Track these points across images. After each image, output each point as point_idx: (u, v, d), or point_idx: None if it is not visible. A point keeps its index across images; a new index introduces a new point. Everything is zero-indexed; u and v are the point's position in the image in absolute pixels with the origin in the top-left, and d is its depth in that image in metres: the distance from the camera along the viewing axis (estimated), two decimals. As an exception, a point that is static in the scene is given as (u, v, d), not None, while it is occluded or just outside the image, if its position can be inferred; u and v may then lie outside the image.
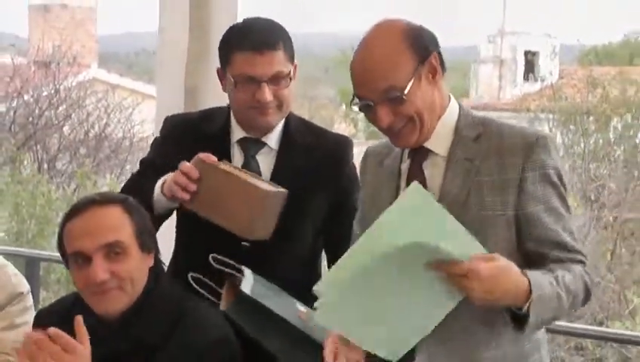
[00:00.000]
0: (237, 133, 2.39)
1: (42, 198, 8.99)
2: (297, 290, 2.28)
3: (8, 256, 2.76)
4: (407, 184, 1.99)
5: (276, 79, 2.27)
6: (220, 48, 2.35)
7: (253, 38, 2.27)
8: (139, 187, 2.29)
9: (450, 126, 2.00)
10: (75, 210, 2.08)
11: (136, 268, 2.06)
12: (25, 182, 9.51)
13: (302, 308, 2.24)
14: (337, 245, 2.27)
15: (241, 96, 2.30)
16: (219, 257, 2.24)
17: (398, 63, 1.92)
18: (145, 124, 11.03)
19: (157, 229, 2.29)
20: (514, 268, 1.82)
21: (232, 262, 2.23)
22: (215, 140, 2.38)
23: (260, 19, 2.38)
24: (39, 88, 11.72)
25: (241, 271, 2.22)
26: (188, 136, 2.41)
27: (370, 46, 1.96)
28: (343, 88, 25.78)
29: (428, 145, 2.01)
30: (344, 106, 24.43)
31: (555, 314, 1.92)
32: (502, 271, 1.80)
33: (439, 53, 1.97)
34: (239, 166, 2.35)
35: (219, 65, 2.37)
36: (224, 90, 2.37)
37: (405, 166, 2.06)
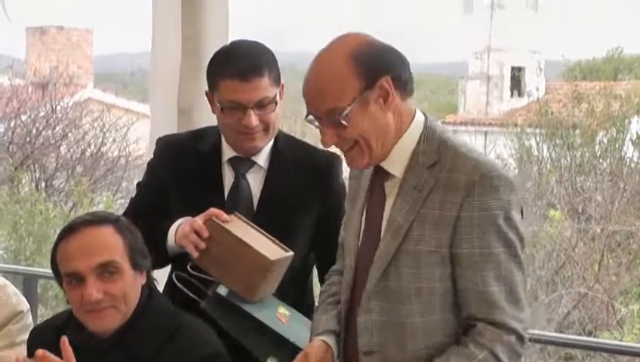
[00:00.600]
0: (227, 152, 2.41)
1: (40, 216, 9.04)
2: (288, 304, 2.31)
3: (7, 273, 2.70)
4: (369, 202, 1.99)
5: (262, 105, 2.28)
6: (207, 73, 2.37)
7: (238, 65, 2.28)
8: (149, 227, 2.25)
9: (409, 149, 1.91)
10: (69, 231, 2.08)
11: (129, 287, 2.07)
12: (23, 200, 9.57)
13: (283, 310, 2.28)
14: (327, 259, 2.30)
15: (227, 122, 2.32)
16: (195, 265, 2.25)
17: (340, 87, 1.85)
18: (140, 143, 11.08)
19: (165, 265, 2.38)
20: None
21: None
22: (207, 159, 2.41)
23: (245, 43, 2.39)
24: (36, 109, 11.78)
25: None
26: (180, 156, 2.43)
27: (317, 66, 1.89)
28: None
29: (385, 166, 1.93)
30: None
31: None
32: None
33: (395, 78, 1.86)
34: (231, 183, 2.38)
35: (207, 89, 2.39)
36: (213, 112, 2.39)
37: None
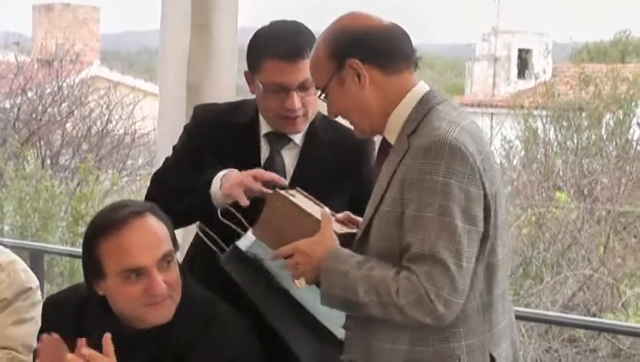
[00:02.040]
0: (264, 126, 2.43)
1: (46, 193, 9.03)
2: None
3: (13, 248, 2.68)
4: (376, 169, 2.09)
5: (305, 87, 2.32)
6: (249, 53, 2.38)
7: (283, 46, 2.30)
8: (185, 176, 2.30)
9: (402, 119, 2.01)
10: (116, 225, 1.99)
11: (178, 275, 2.05)
12: (29, 177, 9.57)
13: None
14: None
15: (270, 104, 2.35)
16: (226, 211, 2.24)
17: (319, 68, 2.05)
18: (146, 121, 11.09)
19: (191, 222, 2.39)
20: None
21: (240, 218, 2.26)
22: (244, 133, 2.43)
23: (287, 23, 2.41)
24: (42, 85, 11.75)
25: (246, 229, 2.24)
26: (218, 125, 2.44)
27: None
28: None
29: (385, 135, 2.05)
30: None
31: (346, 296, 1.92)
32: (313, 247, 2.00)
33: (364, 59, 1.98)
34: (266, 157, 2.41)
35: (247, 69, 2.40)
36: (252, 92, 2.41)
37: None
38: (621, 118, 11.32)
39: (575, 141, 11.25)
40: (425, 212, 1.87)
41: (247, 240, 2.22)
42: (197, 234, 2.44)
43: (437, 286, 1.85)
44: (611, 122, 11.35)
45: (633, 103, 11.70)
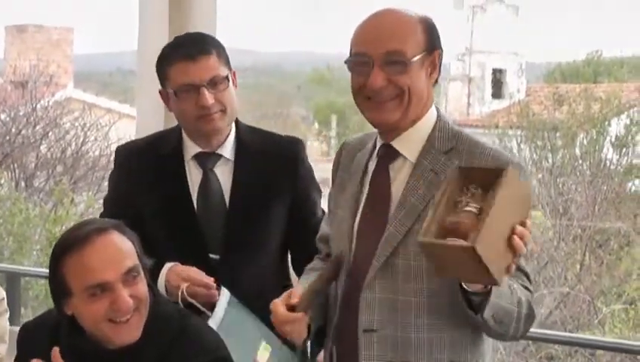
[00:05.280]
0: (191, 149, 2.40)
1: (20, 216, 8.98)
2: (268, 299, 2.23)
3: None
4: (373, 182, 2.02)
5: (214, 83, 2.30)
6: (156, 69, 2.40)
7: (183, 49, 2.32)
8: None
9: (424, 133, 1.98)
10: (80, 242, 1.97)
11: (146, 290, 2.01)
12: (2, 199, 9.50)
13: (263, 349, 2.23)
14: (299, 248, 2.38)
15: (184, 107, 2.32)
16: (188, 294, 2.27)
17: (411, 33, 1.93)
18: (121, 142, 11.01)
19: None
20: None
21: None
22: (169, 161, 2.41)
23: (189, 33, 2.48)
24: (16, 107, 11.68)
25: (213, 305, 2.25)
26: (141, 161, 2.43)
27: (388, 11, 1.96)
28: (316, 105, 25.87)
29: (397, 146, 1.99)
30: (317, 125, 24.57)
31: (508, 314, 1.90)
32: None
33: (440, 57, 1.98)
34: (199, 179, 2.38)
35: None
36: (170, 110, 2.41)
37: (373, 164, 2.05)
38: (594, 137, 11.45)
39: (550, 160, 11.35)
40: None
41: (214, 319, 2.21)
42: None
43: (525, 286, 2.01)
44: (585, 141, 11.47)
45: (606, 123, 11.83)
